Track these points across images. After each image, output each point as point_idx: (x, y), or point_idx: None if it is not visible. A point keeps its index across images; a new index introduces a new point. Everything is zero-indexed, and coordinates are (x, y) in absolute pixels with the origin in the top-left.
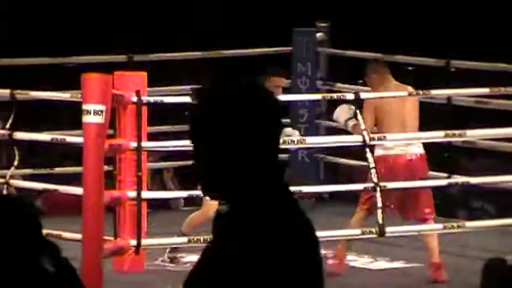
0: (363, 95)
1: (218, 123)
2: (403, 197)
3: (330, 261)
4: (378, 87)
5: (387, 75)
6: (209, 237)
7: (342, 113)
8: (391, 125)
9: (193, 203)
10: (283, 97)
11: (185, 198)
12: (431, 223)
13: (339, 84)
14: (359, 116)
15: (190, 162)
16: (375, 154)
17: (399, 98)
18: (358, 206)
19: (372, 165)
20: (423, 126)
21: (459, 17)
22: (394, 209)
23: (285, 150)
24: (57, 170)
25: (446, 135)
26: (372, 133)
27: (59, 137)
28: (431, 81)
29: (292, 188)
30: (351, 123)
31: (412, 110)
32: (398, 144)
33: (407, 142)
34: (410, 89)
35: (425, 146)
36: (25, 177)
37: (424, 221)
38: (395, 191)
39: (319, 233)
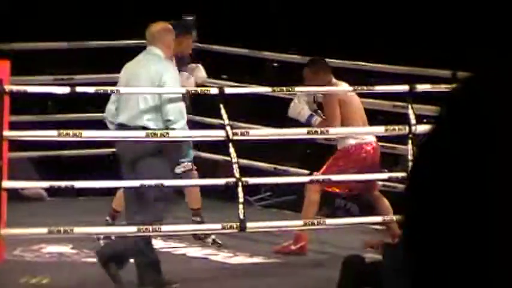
0: (227, 90)
1: None
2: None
3: (293, 247)
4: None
5: (328, 74)
6: (68, 228)
7: (299, 110)
8: (354, 118)
9: (57, 193)
10: (141, 89)
11: (47, 189)
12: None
13: None
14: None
15: (51, 153)
16: (346, 143)
17: (352, 94)
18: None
19: (235, 160)
20: (285, 123)
21: (327, 16)
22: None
23: None
24: None
25: (308, 133)
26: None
27: None
28: (295, 78)
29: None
30: (317, 119)
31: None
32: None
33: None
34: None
35: (289, 142)
36: None
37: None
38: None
39: (182, 227)
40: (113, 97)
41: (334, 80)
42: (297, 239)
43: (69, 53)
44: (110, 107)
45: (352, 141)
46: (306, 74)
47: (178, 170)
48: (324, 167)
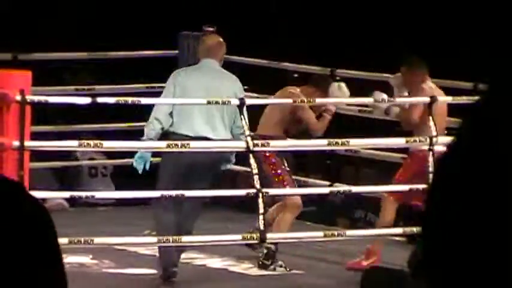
0: (248, 101)
1: None
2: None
3: (364, 262)
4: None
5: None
6: (89, 238)
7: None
8: (436, 122)
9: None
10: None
11: (67, 199)
12: None
13: None
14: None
15: (70, 163)
16: (421, 147)
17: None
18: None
19: (255, 171)
20: (305, 134)
21: (345, 27)
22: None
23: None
24: None
25: (329, 144)
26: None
27: None
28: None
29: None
30: (395, 110)
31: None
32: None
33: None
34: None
35: (308, 153)
36: None
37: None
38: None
39: (202, 238)
40: (166, 108)
41: (429, 82)
42: (368, 254)
43: (91, 64)
44: (166, 118)
45: (424, 146)
46: (402, 71)
47: None
48: (398, 172)
